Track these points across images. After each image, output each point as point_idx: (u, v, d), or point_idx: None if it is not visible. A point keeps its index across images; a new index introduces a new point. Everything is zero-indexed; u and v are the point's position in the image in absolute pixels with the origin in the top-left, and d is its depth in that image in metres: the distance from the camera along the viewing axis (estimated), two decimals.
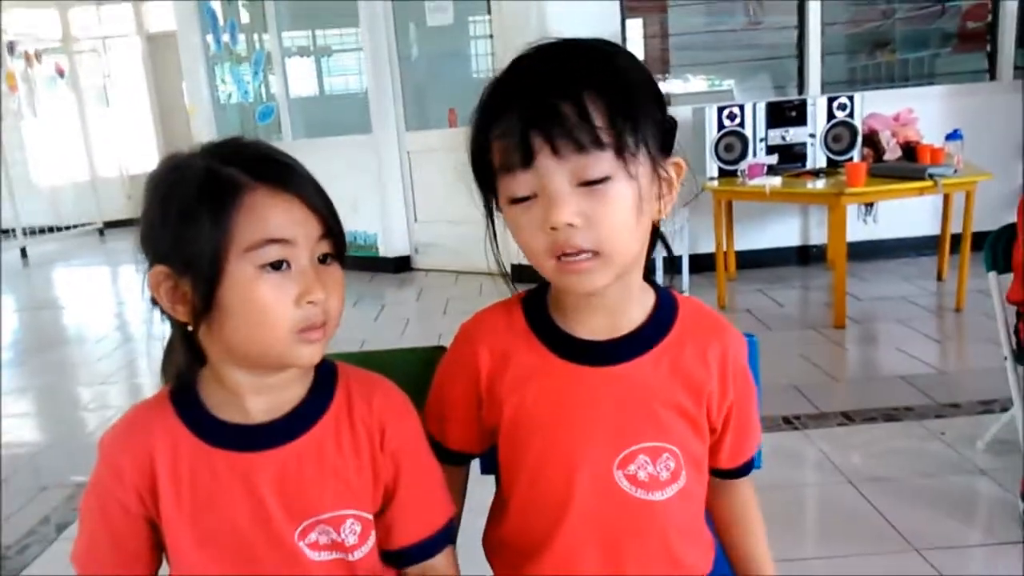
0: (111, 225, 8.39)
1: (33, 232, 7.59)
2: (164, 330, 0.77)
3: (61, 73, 8.67)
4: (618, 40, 0.74)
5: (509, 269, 0.84)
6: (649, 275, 0.82)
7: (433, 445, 0.86)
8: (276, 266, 0.69)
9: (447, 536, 0.83)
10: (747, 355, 0.84)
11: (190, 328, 0.73)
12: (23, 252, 7.34)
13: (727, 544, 0.91)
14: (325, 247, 0.73)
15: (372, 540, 0.78)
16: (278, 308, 0.69)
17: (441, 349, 0.95)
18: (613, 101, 0.68)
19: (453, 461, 0.89)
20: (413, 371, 0.93)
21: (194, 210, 0.68)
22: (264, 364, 0.73)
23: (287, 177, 0.71)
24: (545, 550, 0.81)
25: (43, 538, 2.07)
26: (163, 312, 0.74)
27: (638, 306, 0.80)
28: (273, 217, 0.69)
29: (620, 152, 0.69)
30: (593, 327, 0.79)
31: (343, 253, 0.75)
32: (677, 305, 0.82)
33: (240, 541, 0.74)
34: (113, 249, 7.63)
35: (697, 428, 0.81)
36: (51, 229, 7.88)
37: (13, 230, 7.35)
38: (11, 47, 7.92)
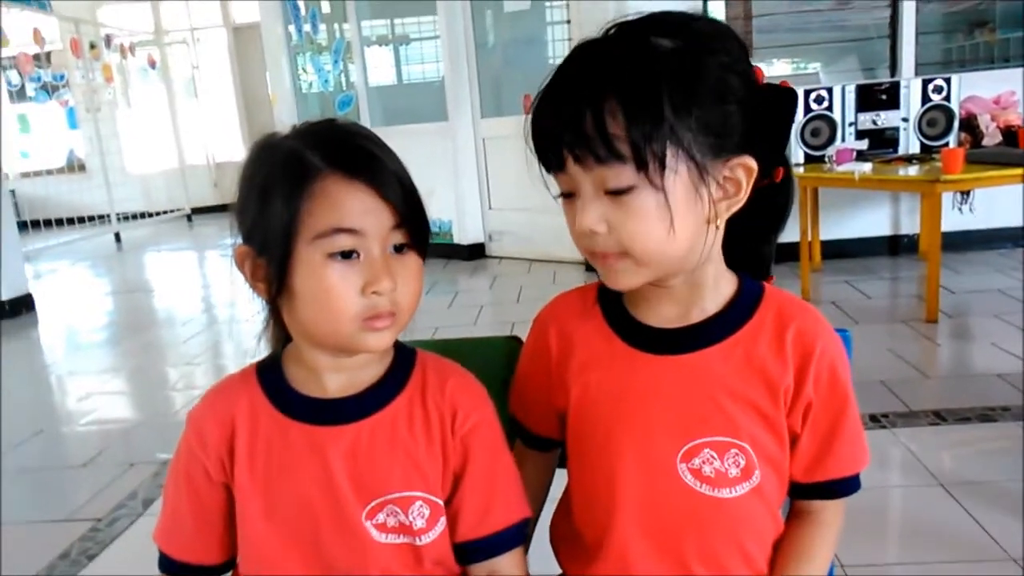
0: (198, 211, 8.72)
1: (126, 218, 7.95)
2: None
3: (153, 64, 9.03)
4: None
5: None
6: (760, 265, 0.80)
7: (516, 428, 0.87)
8: (346, 255, 0.70)
9: (515, 537, 0.79)
10: (843, 359, 0.77)
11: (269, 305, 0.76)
12: (117, 237, 7.69)
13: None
14: (399, 237, 0.72)
15: (441, 526, 0.77)
16: (343, 296, 0.70)
17: (515, 340, 0.94)
18: (633, 110, 0.65)
19: (537, 446, 0.89)
20: (488, 361, 0.92)
21: (271, 190, 0.70)
22: (334, 347, 0.74)
23: (362, 165, 0.70)
24: (606, 541, 0.78)
25: (131, 512, 2.16)
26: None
27: (714, 296, 0.77)
28: (343, 206, 0.69)
29: (641, 164, 0.66)
30: (663, 315, 0.77)
31: (423, 243, 0.75)
32: (762, 296, 0.78)
33: (307, 515, 0.75)
34: (200, 234, 7.92)
35: (773, 427, 0.75)
36: (142, 215, 8.24)
37: (108, 215, 7.71)
38: (107, 40, 8.28)
